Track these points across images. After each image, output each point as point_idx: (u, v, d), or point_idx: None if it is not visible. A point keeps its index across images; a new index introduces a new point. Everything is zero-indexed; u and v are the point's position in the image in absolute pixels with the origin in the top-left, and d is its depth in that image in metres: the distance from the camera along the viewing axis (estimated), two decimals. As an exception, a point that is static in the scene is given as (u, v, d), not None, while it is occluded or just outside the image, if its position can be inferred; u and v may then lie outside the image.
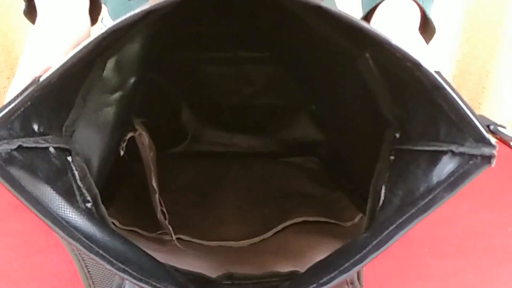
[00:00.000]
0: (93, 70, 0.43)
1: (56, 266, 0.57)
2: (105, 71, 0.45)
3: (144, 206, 0.59)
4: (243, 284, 0.48)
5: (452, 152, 0.34)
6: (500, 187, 0.74)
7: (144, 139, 0.56)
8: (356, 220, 0.61)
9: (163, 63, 0.69)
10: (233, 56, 0.73)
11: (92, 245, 0.34)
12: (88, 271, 0.47)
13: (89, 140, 0.47)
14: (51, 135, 0.39)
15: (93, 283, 0.48)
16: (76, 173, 0.42)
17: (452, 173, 0.34)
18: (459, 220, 0.67)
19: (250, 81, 0.76)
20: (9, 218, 0.65)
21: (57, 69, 0.34)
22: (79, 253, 0.47)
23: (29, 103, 0.34)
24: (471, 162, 0.33)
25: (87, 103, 0.44)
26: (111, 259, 0.34)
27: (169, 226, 0.56)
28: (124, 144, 0.55)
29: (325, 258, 0.42)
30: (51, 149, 0.39)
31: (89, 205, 0.42)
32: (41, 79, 0.34)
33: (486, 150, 0.32)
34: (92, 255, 0.34)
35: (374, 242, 0.35)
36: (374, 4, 0.55)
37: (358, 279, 0.47)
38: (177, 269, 0.48)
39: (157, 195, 0.56)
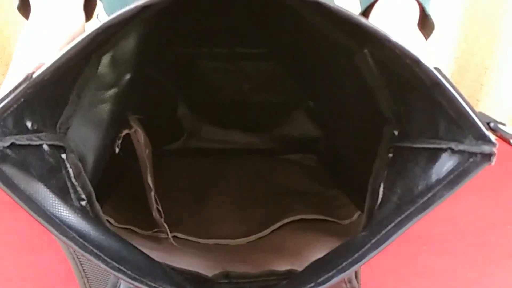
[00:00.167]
0: (88, 66, 0.43)
1: (51, 265, 0.57)
2: (100, 68, 0.45)
3: (139, 204, 0.59)
4: (239, 283, 0.48)
5: (452, 149, 0.34)
6: (498, 185, 0.74)
7: (139, 136, 0.56)
8: (354, 218, 0.60)
9: (159, 59, 0.68)
10: (230, 52, 0.72)
11: (86, 244, 0.34)
12: (83, 270, 0.47)
13: (83, 137, 0.47)
14: (44, 132, 0.39)
15: (88, 282, 0.47)
16: (70, 170, 0.42)
17: (451, 171, 0.34)
18: (458, 217, 0.67)
19: (247, 77, 0.76)
20: (3, 216, 0.65)
21: (51, 66, 0.34)
22: (74, 252, 0.46)
23: (22, 100, 0.34)
24: (470, 160, 0.33)
25: (82, 100, 0.44)
26: (106, 258, 0.34)
27: (165, 224, 0.56)
28: (120, 141, 0.54)
29: (323, 257, 0.41)
30: (45, 147, 0.39)
31: (83, 203, 0.42)
32: (34, 75, 0.34)
33: (486, 148, 0.31)
34: (86, 254, 0.33)
35: (373, 241, 0.35)
36: (372, 0, 0.55)
37: (356, 277, 0.47)
38: (173, 268, 0.48)
39: (152, 193, 0.56)
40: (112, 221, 0.56)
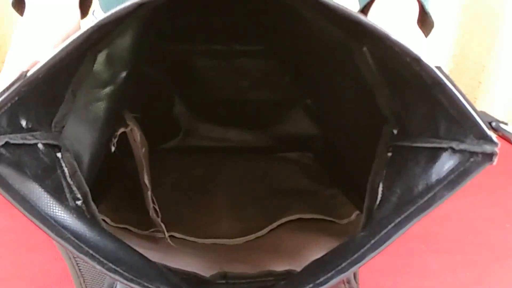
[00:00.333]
0: (83, 64, 0.42)
1: (46, 264, 0.57)
2: (95, 65, 0.45)
3: (136, 203, 0.58)
4: (237, 284, 0.48)
5: (453, 149, 0.33)
6: (498, 183, 0.73)
7: (136, 134, 0.55)
8: (353, 217, 0.60)
9: (155, 56, 0.68)
10: (227, 49, 0.72)
11: (82, 244, 0.33)
12: (79, 270, 0.47)
13: (79, 136, 0.46)
14: (39, 131, 0.38)
15: (84, 282, 0.47)
16: (65, 170, 0.41)
17: (452, 171, 0.33)
18: (457, 217, 0.66)
19: (244, 74, 0.75)
20: (-2, 215, 0.64)
21: (45, 63, 0.33)
22: (70, 252, 0.46)
23: (16, 98, 0.33)
24: (472, 159, 0.32)
25: (77, 98, 0.43)
26: (102, 259, 0.33)
27: (162, 224, 0.56)
28: (116, 140, 0.54)
29: (321, 257, 0.41)
30: (40, 146, 0.38)
31: (79, 202, 0.41)
32: (29, 73, 0.33)
33: (487, 147, 0.31)
34: (81, 255, 0.33)
35: (372, 241, 0.34)
36: None
37: (355, 277, 0.47)
38: (170, 269, 0.47)
39: (149, 192, 0.56)
40: (108, 220, 0.56)
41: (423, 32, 0.53)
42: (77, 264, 0.46)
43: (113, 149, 0.54)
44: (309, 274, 0.39)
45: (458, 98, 0.32)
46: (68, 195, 0.40)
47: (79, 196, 0.41)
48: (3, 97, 0.32)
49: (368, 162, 0.46)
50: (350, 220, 0.60)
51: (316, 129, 0.77)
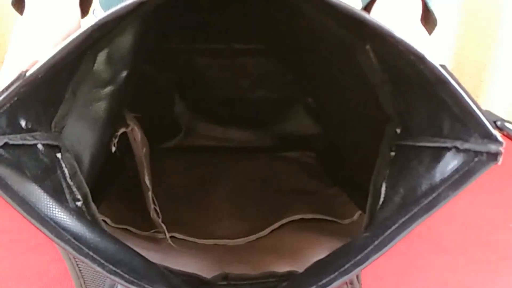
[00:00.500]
0: (84, 63, 0.42)
1: (46, 265, 0.56)
2: (96, 65, 0.44)
3: (136, 204, 0.58)
4: (238, 285, 0.47)
5: (457, 148, 0.33)
6: (501, 182, 0.73)
7: (136, 134, 0.55)
8: (355, 217, 0.60)
9: (155, 55, 0.68)
10: (227, 48, 0.72)
11: (82, 246, 0.33)
12: (80, 270, 0.47)
13: (79, 136, 0.46)
14: (39, 132, 0.38)
15: (84, 283, 0.47)
16: (65, 170, 0.41)
17: (456, 171, 0.33)
18: (459, 216, 0.66)
19: (244, 73, 0.75)
20: (-3, 215, 0.64)
21: (45, 63, 0.33)
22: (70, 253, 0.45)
23: (15, 98, 0.33)
24: (476, 159, 0.32)
25: (77, 98, 0.43)
26: (102, 261, 0.33)
27: (163, 225, 0.55)
28: (116, 140, 0.54)
29: (324, 258, 0.41)
30: (40, 146, 0.38)
31: (79, 204, 0.41)
32: (28, 73, 0.33)
33: (492, 147, 0.31)
34: (82, 257, 0.33)
35: (376, 242, 0.34)
36: None
37: (357, 278, 0.47)
38: (170, 270, 0.47)
39: (150, 193, 0.55)
40: (108, 221, 0.56)
41: (427, 30, 0.52)
42: (78, 265, 0.46)
43: (113, 149, 0.54)
44: (312, 276, 0.38)
45: (462, 96, 0.32)
46: (68, 196, 0.40)
47: (79, 197, 0.41)
48: (2, 97, 0.32)
49: (370, 162, 0.46)
50: (352, 220, 0.60)
51: (318, 128, 0.77)
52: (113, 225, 0.56)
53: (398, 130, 0.43)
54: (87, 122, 0.48)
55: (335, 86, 0.56)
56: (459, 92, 0.32)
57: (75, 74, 0.41)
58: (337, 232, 0.57)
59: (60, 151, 0.41)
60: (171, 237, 0.56)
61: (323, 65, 0.56)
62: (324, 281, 0.34)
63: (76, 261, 0.46)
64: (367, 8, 0.54)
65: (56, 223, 0.33)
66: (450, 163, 0.34)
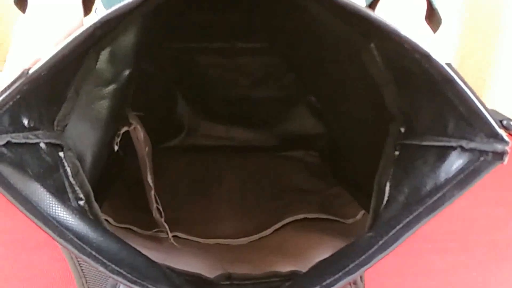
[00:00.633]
0: (86, 62, 0.42)
1: (47, 264, 0.56)
2: (98, 63, 0.44)
3: (139, 203, 0.58)
4: (241, 285, 0.47)
5: (462, 147, 0.33)
6: (504, 182, 0.73)
7: (139, 133, 0.55)
8: (358, 217, 0.59)
9: (158, 54, 0.67)
10: (230, 47, 0.71)
11: (84, 246, 0.33)
12: (82, 270, 0.46)
13: (82, 135, 0.46)
14: (41, 130, 0.38)
15: (86, 282, 0.47)
16: (68, 169, 0.41)
17: (461, 170, 0.33)
18: (462, 215, 0.66)
19: (247, 72, 0.75)
20: (-1, 214, 0.64)
21: (47, 61, 0.33)
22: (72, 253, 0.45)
23: (18, 96, 0.33)
24: (481, 158, 0.32)
25: (80, 97, 0.43)
26: (105, 260, 0.33)
27: (165, 224, 0.55)
28: (119, 139, 0.54)
29: (327, 258, 0.40)
30: (42, 145, 0.38)
31: (81, 203, 0.41)
32: (31, 71, 0.33)
33: (498, 146, 0.31)
34: (84, 257, 0.32)
35: (380, 242, 0.34)
36: None
37: (360, 278, 0.46)
38: (173, 270, 0.47)
39: (152, 192, 0.55)
40: (111, 220, 0.56)
41: (431, 29, 0.52)
42: (79, 264, 0.46)
43: (116, 148, 0.54)
44: (315, 276, 0.38)
45: (468, 95, 0.31)
46: (70, 195, 0.40)
47: (81, 196, 0.41)
48: (4, 95, 0.32)
49: (374, 161, 0.45)
50: (356, 220, 0.59)
51: (321, 127, 0.76)
52: (115, 224, 0.56)
53: (403, 129, 0.42)
54: (89, 121, 0.48)
55: (338, 85, 0.55)
56: (465, 90, 0.31)
57: (77, 72, 0.41)
58: (340, 231, 0.57)
59: (62, 150, 0.41)
60: (173, 236, 0.56)
61: (327, 63, 0.55)
62: (328, 281, 0.34)
63: (78, 261, 0.46)
64: (371, 6, 0.54)
65: (58, 222, 0.33)
66: (455, 162, 0.33)
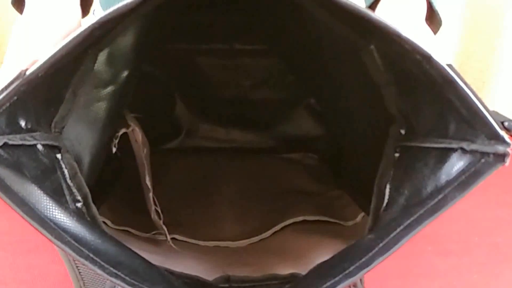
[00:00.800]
0: (84, 63, 0.42)
1: (45, 267, 0.56)
2: (96, 64, 0.44)
3: (137, 205, 0.58)
4: (241, 287, 0.47)
5: (463, 149, 0.33)
6: (505, 183, 0.73)
7: (137, 135, 0.55)
8: (358, 219, 0.59)
9: (157, 55, 0.67)
10: (229, 48, 0.71)
11: (82, 248, 0.33)
12: (79, 273, 0.46)
13: (79, 136, 0.45)
14: (39, 132, 0.37)
15: (84, 285, 0.46)
16: (65, 171, 0.41)
17: (462, 172, 0.33)
18: (463, 217, 0.66)
19: (247, 74, 0.75)
20: (-4, 217, 0.64)
21: (45, 62, 0.33)
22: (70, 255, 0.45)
23: (15, 97, 0.32)
24: (483, 160, 0.32)
25: (78, 98, 0.43)
26: (103, 263, 0.33)
27: (164, 226, 0.55)
28: (117, 140, 0.53)
29: (327, 261, 0.40)
30: (39, 146, 0.37)
31: (79, 205, 0.41)
32: (28, 72, 0.32)
33: (500, 148, 0.30)
34: (82, 259, 0.32)
35: (381, 245, 0.34)
36: None
37: (360, 280, 0.46)
38: (172, 272, 0.46)
39: (151, 194, 0.55)
40: (109, 222, 0.56)
41: (432, 30, 0.52)
42: (77, 267, 0.46)
43: (114, 150, 0.53)
44: (315, 278, 0.38)
45: (470, 97, 0.31)
46: (68, 197, 0.40)
47: (79, 198, 0.41)
48: (1, 96, 0.32)
49: (374, 163, 0.45)
50: (356, 222, 0.59)
51: (320, 129, 0.76)
52: (113, 226, 0.56)
53: (403, 131, 0.42)
54: (87, 122, 0.47)
55: (338, 86, 0.55)
56: (466, 92, 0.31)
57: (75, 74, 0.41)
58: (340, 234, 0.57)
59: (60, 152, 0.40)
60: (172, 238, 0.56)
61: (327, 65, 0.55)
62: (328, 283, 0.33)
63: (75, 263, 0.45)
64: (371, 8, 0.54)
65: (55, 224, 0.33)
66: (456, 164, 0.33)
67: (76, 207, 0.40)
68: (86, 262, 0.32)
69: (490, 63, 1.21)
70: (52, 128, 0.40)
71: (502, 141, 0.30)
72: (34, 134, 0.36)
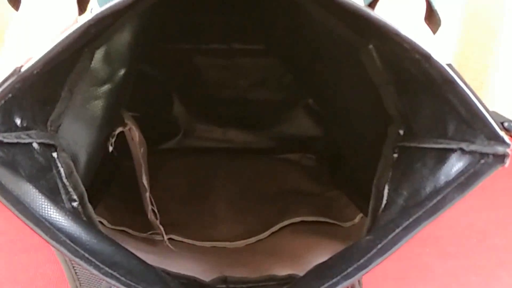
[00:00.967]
0: (81, 60, 0.41)
1: (42, 266, 0.56)
2: (93, 62, 0.43)
3: (134, 205, 0.57)
4: (238, 289, 0.47)
5: (462, 150, 0.32)
6: (503, 185, 0.72)
7: (134, 134, 0.54)
8: (356, 220, 0.59)
9: (154, 54, 0.67)
10: (228, 48, 0.71)
11: (77, 248, 0.32)
12: (76, 273, 0.46)
13: (76, 135, 0.45)
14: (34, 130, 0.37)
15: (80, 285, 0.46)
16: (61, 170, 0.40)
17: (461, 173, 0.32)
18: (462, 219, 0.66)
19: (244, 74, 0.74)
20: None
21: (40, 58, 0.32)
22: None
23: (10, 95, 0.32)
24: (482, 161, 0.31)
25: (74, 96, 0.42)
26: (98, 263, 0.32)
27: (161, 227, 0.55)
28: (113, 139, 0.53)
29: (325, 262, 0.40)
30: (35, 145, 0.37)
31: (75, 204, 0.40)
32: (23, 69, 0.32)
33: (499, 149, 0.30)
34: (77, 259, 0.32)
35: (379, 246, 0.33)
36: None
37: (358, 281, 0.46)
38: (168, 273, 0.46)
39: (147, 194, 0.55)
40: (105, 222, 0.55)
41: (431, 30, 0.52)
42: (73, 267, 0.46)
43: (110, 149, 0.53)
44: (313, 279, 0.37)
45: (469, 97, 0.31)
46: (64, 197, 0.39)
47: (75, 197, 0.40)
48: (-4, 94, 0.31)
49: (372, 164, 0.45)
50: (354, 223, 0.59)
51: (318, 129, 0.76)
52: (110, 226, 0.56)
53: (401, 132, 0.42)
54: (84, 121, 0.47)
55: (337, 86, 0.55)
56: (466, 92, 0.31)
57: (72, 71, 0.41)
58: (338, 235, 0.56)
59: (56, 150, 0.40)
60: (169, 239, 0.56)
61: (325, 64, 0.55)
62: (326, 285, 0.33)
63: (71, 263, 0.45)
64: (370, 6, 0.54)
65: (51, 224, 0.33)
66: (455, 165, 0.33)
67: (72, 206, 0.40)
68: (81, 262, 0.31)
69: (488, 63, 1.21)
70: (48, 127, 0.40)
71: (502, 141, 0.30)
72: (29, 132, 0.36)
